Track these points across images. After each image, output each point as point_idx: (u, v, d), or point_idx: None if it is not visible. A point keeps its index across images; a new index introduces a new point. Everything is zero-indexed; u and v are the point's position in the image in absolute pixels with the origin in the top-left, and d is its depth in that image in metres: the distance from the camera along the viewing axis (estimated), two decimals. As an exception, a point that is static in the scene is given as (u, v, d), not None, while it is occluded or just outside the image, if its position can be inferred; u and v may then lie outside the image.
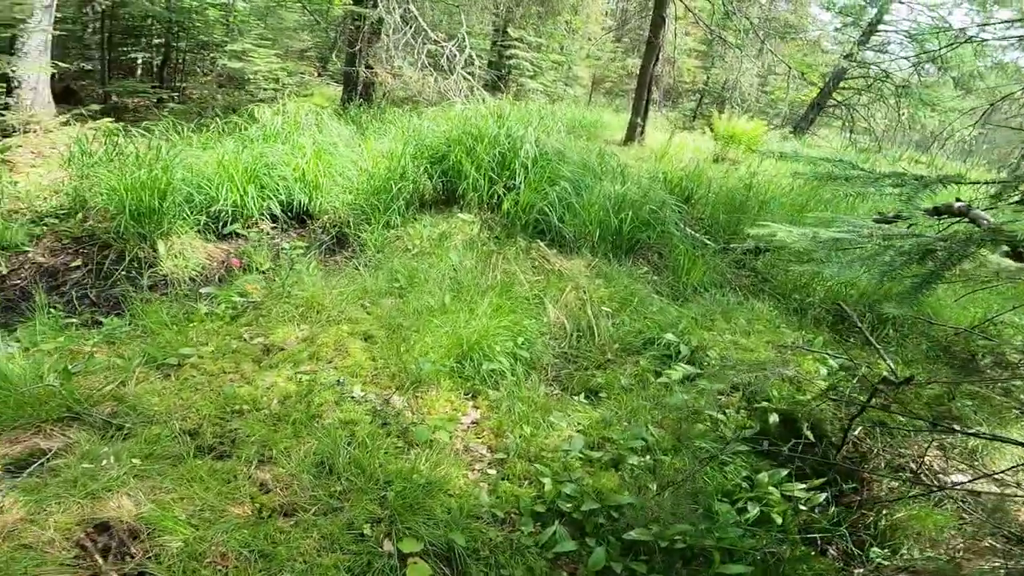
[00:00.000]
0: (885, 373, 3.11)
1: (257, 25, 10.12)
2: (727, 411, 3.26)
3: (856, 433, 3.12)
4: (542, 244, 4.89)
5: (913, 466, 3.06)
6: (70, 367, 2.76)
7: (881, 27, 14.12)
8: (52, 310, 3.61)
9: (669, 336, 3.93)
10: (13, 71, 6.44)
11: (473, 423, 3.22)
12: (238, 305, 3.55)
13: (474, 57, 8.07)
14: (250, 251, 4.45)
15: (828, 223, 2.98)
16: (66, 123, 7.16)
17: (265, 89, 9.89)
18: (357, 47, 9.81)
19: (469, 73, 8.11)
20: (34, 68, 6.67)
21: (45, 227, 4.84)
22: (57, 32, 7.43)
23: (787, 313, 4.68)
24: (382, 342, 3.49)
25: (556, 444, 2.99)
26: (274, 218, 5.43)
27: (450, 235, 4.97)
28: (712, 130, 11.81)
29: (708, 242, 5.33)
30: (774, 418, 3.15)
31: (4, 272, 4.19)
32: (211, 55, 9.92)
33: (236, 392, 2.86)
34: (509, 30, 13.59)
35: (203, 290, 3.69)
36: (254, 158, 5.34)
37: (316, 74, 13.74)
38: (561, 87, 15.73)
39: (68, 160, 5.36)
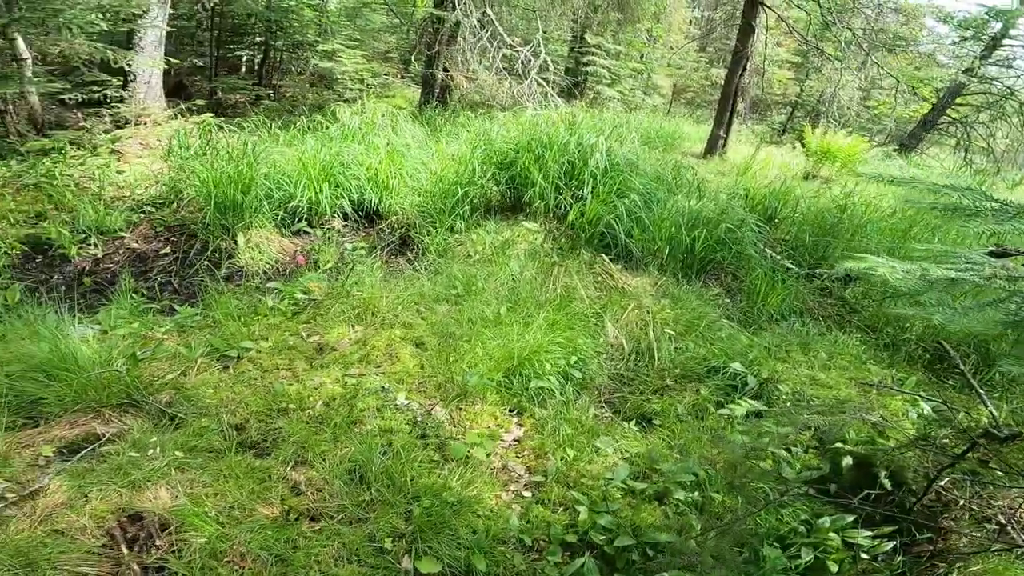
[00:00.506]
0: (987, 423, 2.71)
1: (346, 26, 10.50)
2: (793, 449, 2.96)
3: (942, 483, 2.73)
4: (606, 259, 4.69)
5: (1002, 519, 2.64)
6: (138, 353, 2.89)
7: (1006, 41, 12.73)
8: (134, 296, 3.84)
9: (736, 366, 3.64)
10: (129, 65, 6.97)
11: (515, 441, 3.09)
12: (300, 302, 3.62)
13: (549, 63, 7.94)
14: (319, 248, 4.55)
15: (940, 258, 2.60)
16: (173, 117, 7.72)
17: (351, 89, 10.26)
18: (435, 50, 9.97)
19: (543, 79, 8.00)
20: (148, 63, 7.19)
21: (142, 215, 5.20)
22: (171, 28, 8.00)
23: (876, 348, 4.23)
24: (432, 350, 3.43)
25: (599, 471, 2.81)
26: (345, 216, 5.56)
27: (513, 243, 4.87)
28: (803, 145, 11.04)
29: (791, 266, 4.92)
30: (847, 461, 2.82)
31: (99, 255, 4.52)
32: (304, 54, 10.41)
33: (285, 390, 2.88)
34: (587, 36, 13.37)
35: (270, 284, 3.79)
36: (331, 157, 5.49)
37: (399, 76, 14.11)
38: (639, 96, 15.29)
39: (167, 152, 5.74)
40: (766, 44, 10.02)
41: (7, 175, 5.37)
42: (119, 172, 6.17)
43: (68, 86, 6.94)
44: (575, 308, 4.17)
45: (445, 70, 9.77)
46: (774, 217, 5.71)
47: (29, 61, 6.24)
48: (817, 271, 5.07)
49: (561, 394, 3.34)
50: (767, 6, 9.70)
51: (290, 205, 5.23)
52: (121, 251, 4.61)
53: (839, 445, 2.92)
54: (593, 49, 13.29)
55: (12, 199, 5.00)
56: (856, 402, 3.45)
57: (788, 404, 3.43)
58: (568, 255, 4.81)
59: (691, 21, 16.86)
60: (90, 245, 4.63)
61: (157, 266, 4.47)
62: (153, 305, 3.82)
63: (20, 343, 2.86)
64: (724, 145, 10.31)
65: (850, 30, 9.34)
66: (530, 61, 7.76)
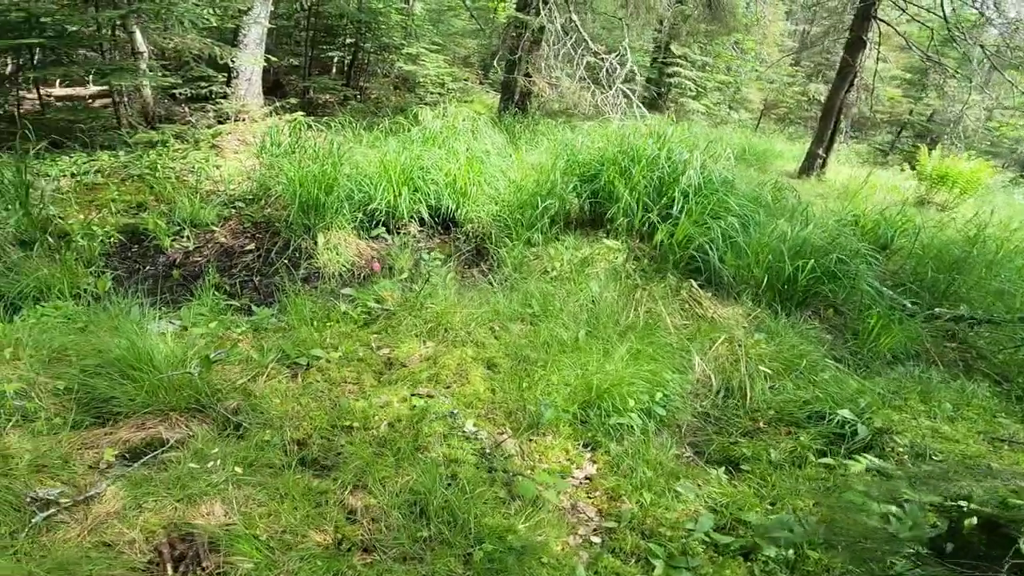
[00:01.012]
0: None
1: (430, 30, 10.59)
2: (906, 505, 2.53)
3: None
4: (695, 284, 4.30)
5: None
6: (212, 355, 2.85)
7: None
8: (216, 292, 3.87)
9: (844, 412, 3.20)
10: (233, 61, 7.25)
11: (586, 479, 2.82)
12: (372, 311, 3.50)
13: (635, 72, 7.57)
14: (395, 254, 4.46)
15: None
16: (269, 114, 8.00)
17: (432, 93, 10.34)
18: (517, 55, 9.83)
19: (629, 89, 7.63)
20: (250, 60, 7.46)
21: (233, 210, 5.33)
22: (272, 26, 8.30)
23: (1009, 399, 3.70)
24: (505, 373, 3.21)
25: (678, 519, 2.51)
26: (422, 221, 5.48)
27: (592, 261, 4.59)
28: (914, 168, 10.04)
29: (908, 303, 4.33)
30: (971, 521, 2.38)
31: (190, 248, 4.64)
32: (390, 57, 10.58)
33: (351, 406, 2.75)
34: (672, 47, 12.81)
35: (344, 291, 3.71)
36: (411, 160, 5.42)
37: (478, 81, 14.15)
38: (724, 110, 14.52)
39: (260, 149, 5.89)
40: (877, 59, 9.17)
41: (115, 165, 5.68)
42: (216, 167, 6.42)
43: (179, 81, 7.35)
44: (659, 337, 3.84)
45: (527, 75, 9.61)
46: (887, 247, 5.09)
47: (146, 55, 6.60)
48: (938, 310, 4.44)
49: (641, 432, 3.03)
50: (882, 20, 8.89)
51: (369, 207, 5.20)
52: (210, 245, 4.72)
53: (962, 503, 2.47)
54: (678, 60, 12.74)
55: (116, 189, 5.26)
56: (987, 459, 2.98)
57: (908, 459, 2.99)
58: (652, 278, 4.47)
59: (787, 33, 15.84)
60: (183, 237, 4.77)
61: (241, 262, 4.53)
62: (233, 303, 3.84)
63: (101, 336, 2.89)
64: (823, 165, 9.52)
65: (981, 47, 8.33)
66: (615, 70, 7.43)
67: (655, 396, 3.18)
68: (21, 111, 6.66)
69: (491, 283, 4.48)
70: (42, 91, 8.17)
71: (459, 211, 5.55)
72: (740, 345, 3.89)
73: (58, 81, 8.24)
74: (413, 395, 2.89)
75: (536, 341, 3.53)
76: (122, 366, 2.65)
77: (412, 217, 5.39)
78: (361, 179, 5.21)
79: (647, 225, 4.79)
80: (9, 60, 7.62)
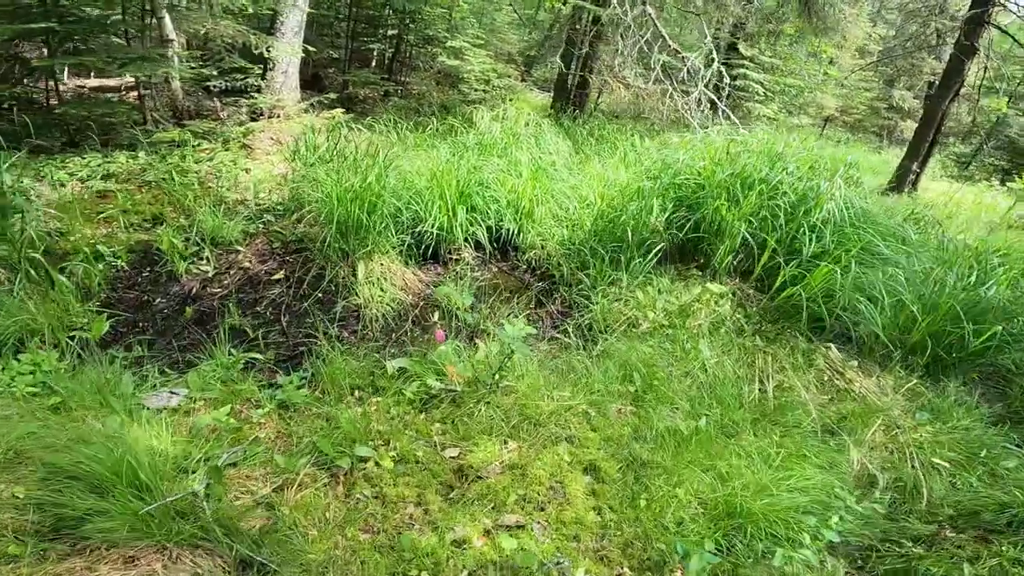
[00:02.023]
0: None
1: (472, 24, 9.84)
2: None
3: None
4: (833, 348, 3.40)
5: None
6: (224, 458, 2.07)
7: None
8: (233, 346, 3.10)
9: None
10: (269, 51, 6.52)
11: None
12: (432, 390, 2.68)
13: (724, 74, 6.61)
14: (450, 295, 3.66)
15: None
16: (306, 110, 7.26)
17: (476, 89, 9.58)
18: (579, 50, 8.91)
19: (716, 92, 6.69)
20: (287, 50, 6.72)
21: (261, 224, 4.59)
22: (312, 11, 7.56)
23: None
24: (612, 482, 2.38)
25: None
26: (477, 245, 4.67)
27: (692, 310, 3.71)
28: (1004, 183, 8.90)
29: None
30: None
31: (210, 274, 3.90)
32: (432, 50, 9.81)
33: (415, 543, 1.95)
34: (740, 47, 11.73)
35: (393, 363, 2.85)
36: (468, 172, 4.61)
37: (520, 78, 13.35)
38: (785, 115, 13.38)
39: (293, 154, 5.14)
40: (986, 68, 8.06)
41: (133, 169, 4.98)
42: (246, 170, 5.70)
43: (214, 73, 6.66)
44: (797, 421, 2.98)
45: (587, 72, 8.71)
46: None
47: (175, 43, 5.90)
48: None
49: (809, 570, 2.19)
50: (996, 26, 7.79)
51: (418, 229, 4.40)
52: (232, 271, 3.98)
53: None
54: (745, 61, 11.67)
55: (131, 198, 4.56)
56: None
57: None
58: (770, 336, 3.58)
59: (873, 38, 14.59)
60: (202, 260, 4.03)
61: (267, 296, 3.77)
62: (255, 356, 3.07)
63: (81, 418, 2.14)
64: (915, 180, 8.45)
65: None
66: (698, 70, 6.49)
67: (829, 521, 2.33)
68: (36, 104, 6.01)
69: (568, 335, 3.65)
70: (74, 83, 7.59)
71: (521, 236, 4.72)
72: (901, 429, 3.01)
73: (92, 72, 7.63)
74: (498, 526, 2.07)
75: (643, 430, 2.70)
76: (103, 475, 1.89)
77: (468, 240, 4.58)
78: (409, 195, 4.41)
79: (752, 263, 3.90)
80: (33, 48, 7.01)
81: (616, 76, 7.04)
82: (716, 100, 6.31)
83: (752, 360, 3.34)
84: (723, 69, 6.56)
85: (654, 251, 3.95)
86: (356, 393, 2.82)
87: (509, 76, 11.69)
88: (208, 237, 4.25)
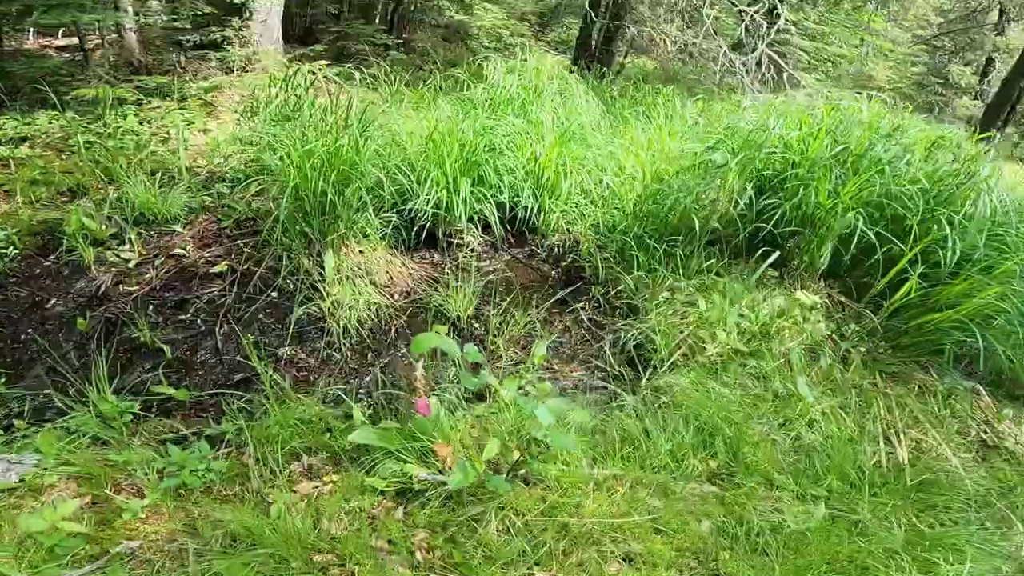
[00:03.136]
0: None
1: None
2: None
3: None
4: (983, 392, 2.41)
5: None
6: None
7: None
8: (129, 395, 2.15)
9: None
10: (244, -2, 5.49)
11: None
12: (413, 481, 1.71)
13: (792, 31, 5.49)
14: (443, 298, 2.70)
15: None
16: (287, 64, 6.24)
17: (486, 47, 8.59)
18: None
19: (779, 55, 5.55)
20: (264, -5, 5.69)
21: (209, 198, 3.63)
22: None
23: None
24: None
25: None
26: (486, 227, 3.68)
27: (775, 329, 2.72)
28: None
29: None
30: None
31: (128, 266, 2.95)
32: (439, 3, 8.72)
33: None
34: (782, 11, 10.46)
35: (354, 437, 1.80)
36: (475, 135, 3.59)
37: (534, 38, 12.21)
38: (827, 84, 12.12)
39: (248, 110, 4.13)
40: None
41: (52, 131, 4.02)
42: (204, 131, 4.73)
43: (187, 25, 5.71)
44: (942, 492, 2.02)
45: (617, 24, 7.55)
46: None
47: (130, -14, 4.92)
48: None
49: None
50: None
51: (408, 207, 3.42)
52: (161, 260, 3.03)
53: None
54: (790, 27, 10.42)
55: (45, 166, 3.61)
56: None
57: None
58: (887, 369, 2.60)
59: (937, 8, 13.13)
60: (123, 246, 3.09)
61: (203, 296, 2.83)
62: (167, 392, 2.13)
63: None
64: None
65: None
66: (760, 27, 5.36)
67: None
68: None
69: (607, 360, 2.69)
70: (39, 42, 6.66)
71: (542, 215, 3.73)
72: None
73: (60, 31, 6.65)
74: None
75: (734, 529, 1.75)
76: None
77: (473, 221, 3.59)
78: (397, 163, 3.41)
79: (851, 267, 2.89)
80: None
81: (656, 31, 5.91)
82: (782, 63, 5.19)
83: (868, 406, 2.37)
84: (791, 25, 5.42)
85: (726, 245, 2.94)
86: (305, 460, 1.88)
87: (523, 35, 10.58)
88: (139, 215, 3.31)
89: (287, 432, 1.90)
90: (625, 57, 9.11)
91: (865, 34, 11.36)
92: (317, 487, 1.78)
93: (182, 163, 3.82)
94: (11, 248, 2.92)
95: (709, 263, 2.95)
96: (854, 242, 2.77)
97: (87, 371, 2.22)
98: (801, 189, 2.84)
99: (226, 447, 1.90)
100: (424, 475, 1.67)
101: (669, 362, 2.72)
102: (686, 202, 2.99)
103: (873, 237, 2.71)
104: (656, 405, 2.29)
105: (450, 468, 1.66)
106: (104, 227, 3.15)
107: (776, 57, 5.07)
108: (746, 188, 2.92)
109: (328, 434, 1.97)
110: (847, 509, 1.96)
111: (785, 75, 5.28)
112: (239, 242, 3.25)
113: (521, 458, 1.68)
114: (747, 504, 1.85)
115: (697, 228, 2.91)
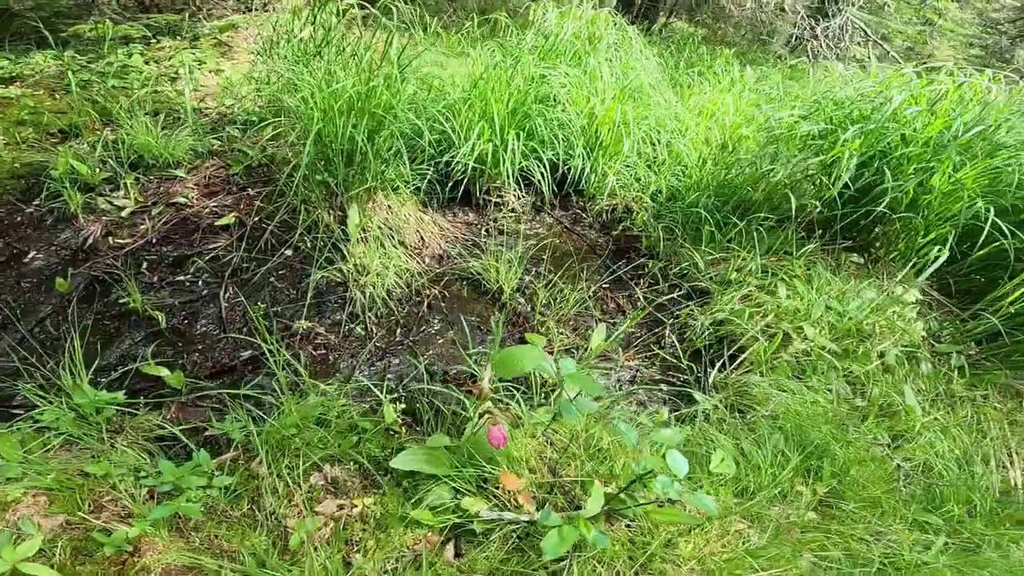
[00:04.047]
0: None
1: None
2: None
3: None
4: None
5: None
6: None
7: None
8: (113, 374, 1.72)
9: None
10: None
11: None
12: (469, 515, 1.28)
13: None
14: (482, 266, 2.25)
15: None
16: (311, 3, 5.64)
17: (523, -6, 7.84)
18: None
19: (863, 23, 4.89)
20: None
21: (218, 141, 3.15)
22: None
23: None
24: None
25: None
26: (527, 184, 3.19)
27: (869, 328, 2.26)
28: None
29: None
30: None
31: (124, 214, 2.50)
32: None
33: None
34: None
35: (398, 462, 1.38)
36: (525, 83, 3.06)
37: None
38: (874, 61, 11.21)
39: (266, 50, 3.60)
40: None
41: (47, 70, 3.51)
42: (218, 71, 4.21)
43: None
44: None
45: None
46: None
47: None
48: None
49: None
50: None
51: (445, 159, 2.94)
52: (160, 209, 2.57)
53: None
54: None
55: (35, 105, 3.12)
56: None
57: None
58: (991, 379, 2.14)
59: None
60: (117, 192, 2.63)
61: (205, 252, 2.38)
62: (160, 374, 1.70)
63: None
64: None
65: None
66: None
67: None
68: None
69: (671, 351, 2.25)
70: None
71: (593, 178, 3.23)
72: None
73: None
74: None
75: (844, 573, 1.34)
76: None
77: (517, 177, 3.10)
78: (436, 110, 2.91)
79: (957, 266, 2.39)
80: None
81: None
82: (867, 30, 4.55)
83: (976, 420, 1.93)
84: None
85: (817, 227, 2.45)
86: (328, 471, 1.46)
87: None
88: (135, 157, 2.84)
89: (306, 434, 1.48)
90: (670, 17, 8.38)
91: (933, 13, 10.45)
92: (343, 508, 1.37)
93: (188, 103, 3.32)
94: (-10, 190, 2.47)
95: (808, 247, 2.47)
96: (957, 234, 2.27)
97: (64, 345, 1.80)
98: (912, 171, 2.33)
99: (232, 449, 1.48)
100: (488, 513, 1.25)
101: (743, 357, 2.29)
102: (780, 174, 2.48)
103: (1005, 230, 2.22)
104: (742, 412, 1.86)
105: (520, 505, 1.23)
106: (97, 171, 2.68)
107: (863, 26, 4.42)
108: (851, 164, 2.41)
109: (355, 436, 1.55)
110: (962, 539, 1.56)
111: (875, 39, 4.64)
112: (249, 191, 2.78)
113: (617, 496, 1.25)
114: (853, 533, 1.45)
115: (793, 205, 2.41)
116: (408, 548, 1.28)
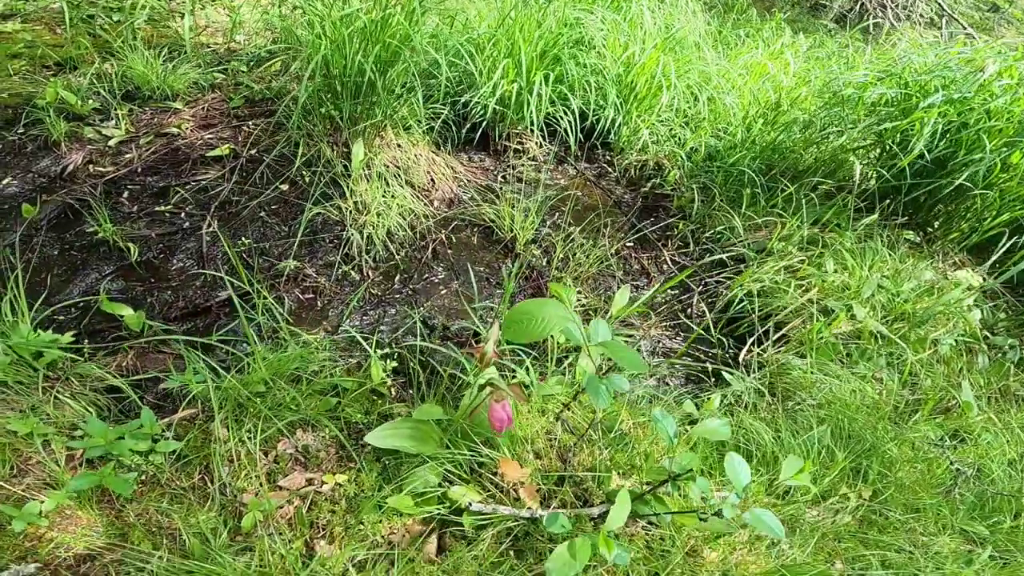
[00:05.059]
0: None
1: None
2: None
3: None
4: None
5: None
6: None
7: None
8: (70, 310, 1.47)
9: None
10: None
11: None
12: (459, 507, 1.02)
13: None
14: (496, 213, 1.94)
15: None
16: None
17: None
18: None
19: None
20: None
21: (221, 75, 2.84)
22: None
23: None
24: None
25: None
26: (551, 132, 2.85)
27: (924, 314, 1.93)
28: None
29: None
30: None
31: (111, 142, 2.22)
32: None
33: None
34: None
35: (373, 438, 1.11)
36: (558, 25, 2.68)
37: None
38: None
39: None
40: None
41: (51, 5, 3.19)
42: (230, 6, 3.86)
43: None
44: None
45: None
46: None
47: None
48: None
49: None
50: None
51: (463, 99, 2.60)
52: (149, 139, 2.29)
53: None
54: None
55: (32, 39, 2.81)
56: None
57: None
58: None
59: None
60: (107, 122, 2.35)
61: (196, 181, 2.11)
62: (124, 313, 1.45)
63: None
64: None
65: None
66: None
67: None
68: None
69: (700, 323, 1.94)
70: None
71: (625, 130, 2.86)
72: None
73: None
74: None
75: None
76: None
77: (541, 123, 2.75)
78: (458, 45, 2.55)
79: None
80: None
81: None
82: (942, 3, 3.98)
83: None
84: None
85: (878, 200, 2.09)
86: (300, 439, 1.21)
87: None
88: (130, 88, 2.54)
89: (277, 394, 1.22)
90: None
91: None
92: (311, 483, 1.12)
93: (187, 32, 2.99)
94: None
95: (867, 219, 2.11)
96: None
97: (63, 244, 1.55)
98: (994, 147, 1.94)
99: (186, 406, 1.23)
100: (480, 506, 0.99)
101: (779, 334, 1.98)
102: (843, 138, 2.10)
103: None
104: (776, 395, 1.57)
105: (520, 498, 0.96)
106: (89, 101, 2.40)
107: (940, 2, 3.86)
108: (928, 133, 2.02)
109: (335, 398, 1.29)
110: (1004, 551, 1.28)
111: (912, 20, 4.11)
112: (249, 124, 2.49)
113: (641, 497, 0.97)
114: (893, 542, 1.17)
115: (857, 171, 2.04)
116: (383, 538, 1.03)
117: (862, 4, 4.22)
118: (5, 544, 0.93)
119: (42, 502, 0.95)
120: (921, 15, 4.10)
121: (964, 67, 2.26)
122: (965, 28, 4.19)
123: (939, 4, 3.90)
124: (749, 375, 1.82)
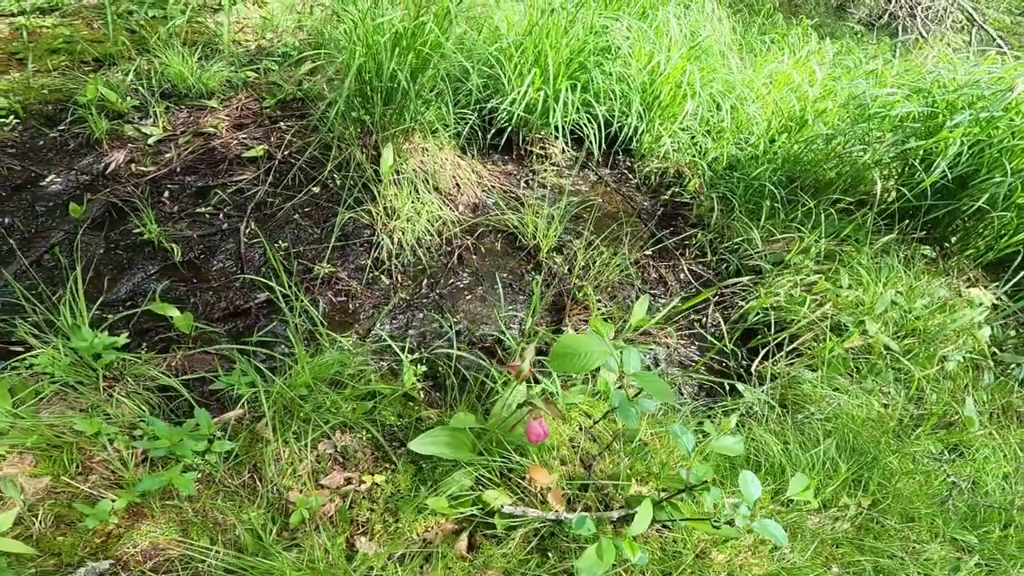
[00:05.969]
0: None
1: None
2: None
3: None
4: None
5: None
6: None
7: None
8: (121, 311, 1.55)
9: None
10: None
11: None
12: (491, 509, 1.09)
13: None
14: (520, 220, 2.00)
15: None
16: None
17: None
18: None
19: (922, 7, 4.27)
20: None
21: (254, 73, 2.91)
22: None
23: None
24: None
25: None
26: (574, 138, 2.89)
27: (935, 330, 1.96)
28: None
29: None
30: None
31: (150, 141, 2.31)
32: None
33: None
34: None
35: (416, 444, 1.16)
36: (585, 33, 2.71)
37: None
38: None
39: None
40: None
41: (90, 2, 3.27)
42: (262, 3, 3.92)
43: None
44: None
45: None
46: None
47: None
48: None
49: None
50: None
51: (490, 105, 2.65)
52: (187, 138, 2.37)
53: None
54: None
55: (71, 34, 2.89)
56: None
57: None
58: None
59: None
60: (146, 120, 2.43)
61: (233, 181, 2.18)
62: (171, 315, 1.54)
63: None
64: None
65: None
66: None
67: None
68: None
69: (715, 333, 1.99)
70: None
71: (646, 137, 2.90)
72: None
73: None
74: None
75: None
76: None
77: (565, 129, 2.79)
78: (487, 53, 2.60)
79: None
80: None
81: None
82: (973, 14, 3.93)
83: None
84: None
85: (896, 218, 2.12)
86: (339, 440, 1.29)
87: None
88: (167, 86, 2.62)
89: (318, 396, 1.30)
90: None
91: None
92: (351, 482, 1.19)
93: (227, 32, 3.07)
94: (11, 117, 2.29)
95: (886, 237, 2.14)
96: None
97: (69, 276, 1.64)
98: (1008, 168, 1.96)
99: (236, 407, 1.31)
100: (511, 508, 1.06)
101: (792, 347, 2.03)
102: (868, 155, 2.13)
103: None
104: (787, 408, 1.62)
105: (546, 501, 1.03)
106: (127, 98, 2.48)
107: (971, 10, 3.82)
108: (952, 152, 2.04)
109: (371, 402, 1.36)
110: (990, 559, 1.34)
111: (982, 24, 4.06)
112: (281, 125, 2.56)
113: (659, 503, 1.04)
114: (887, 549, 1.24)
115: (878, 188, 2.07)
116: (419, 535, 1.10)
117: (891, 13, 4.18)
118: (77, 541, 1.01)
119: (113, 500, 1.03)
120: (953, 22, 4.05)
121: (993, 85, 2.27)
122: (995, 40, 4.14)
123: (969, 12, 3.86)
124: (761, 386, 1.88)
